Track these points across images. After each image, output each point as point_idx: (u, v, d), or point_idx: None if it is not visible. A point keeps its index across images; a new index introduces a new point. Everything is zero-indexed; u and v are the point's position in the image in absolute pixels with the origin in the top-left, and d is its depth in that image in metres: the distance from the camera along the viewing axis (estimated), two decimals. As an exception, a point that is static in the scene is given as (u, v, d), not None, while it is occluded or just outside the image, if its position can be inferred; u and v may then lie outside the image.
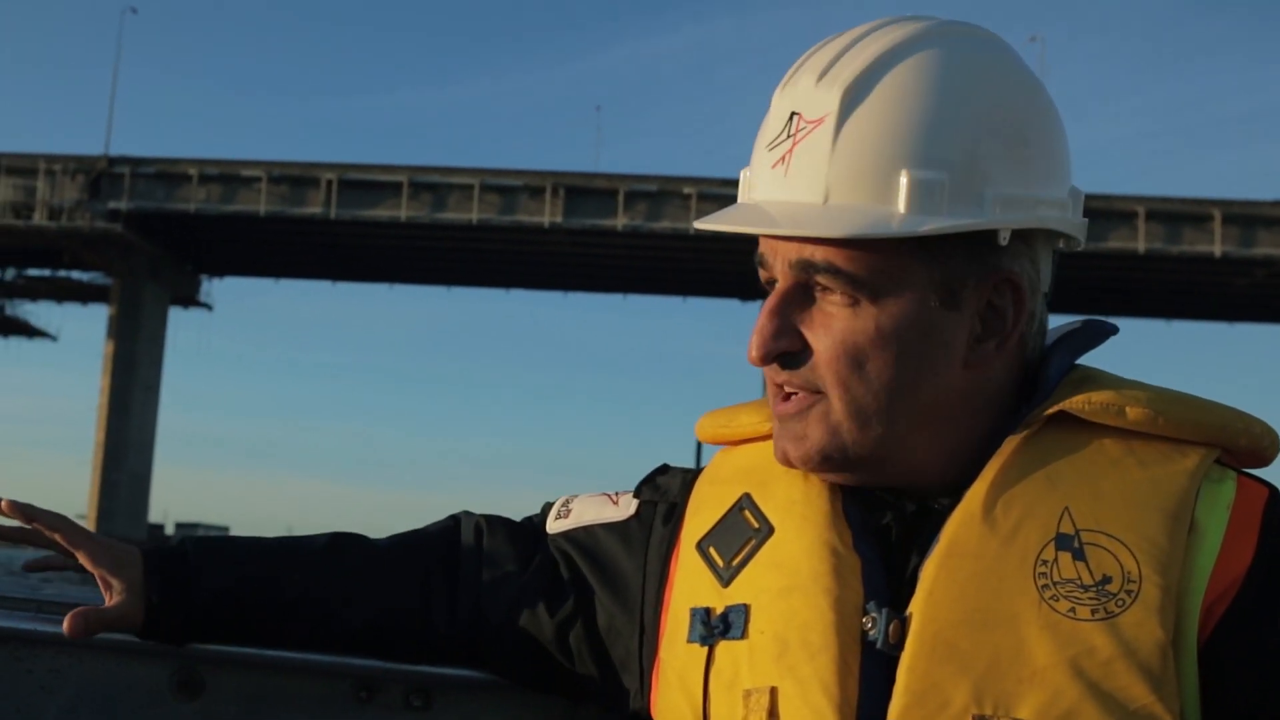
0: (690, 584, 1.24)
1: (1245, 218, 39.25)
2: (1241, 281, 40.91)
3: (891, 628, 1.11)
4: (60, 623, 1.34)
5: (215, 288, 48.15)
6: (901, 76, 1.12)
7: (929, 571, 1.12)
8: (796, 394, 1.18)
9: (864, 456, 1.16)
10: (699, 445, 1.44)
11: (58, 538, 1.38)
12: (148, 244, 41.16)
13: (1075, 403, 1.16)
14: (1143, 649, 1.05)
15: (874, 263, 1.13)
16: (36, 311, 49.84)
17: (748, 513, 1.23)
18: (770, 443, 1.24)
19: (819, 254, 1.13)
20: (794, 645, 1.13)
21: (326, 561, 1.42)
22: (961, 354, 1.16)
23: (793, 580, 1.16)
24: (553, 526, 1.42)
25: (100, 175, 40.49)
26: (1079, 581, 1.08)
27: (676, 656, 1.22)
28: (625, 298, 47.42)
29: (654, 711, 1.26)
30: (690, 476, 1.36)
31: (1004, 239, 1.14)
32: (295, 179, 40.78)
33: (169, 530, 51.40)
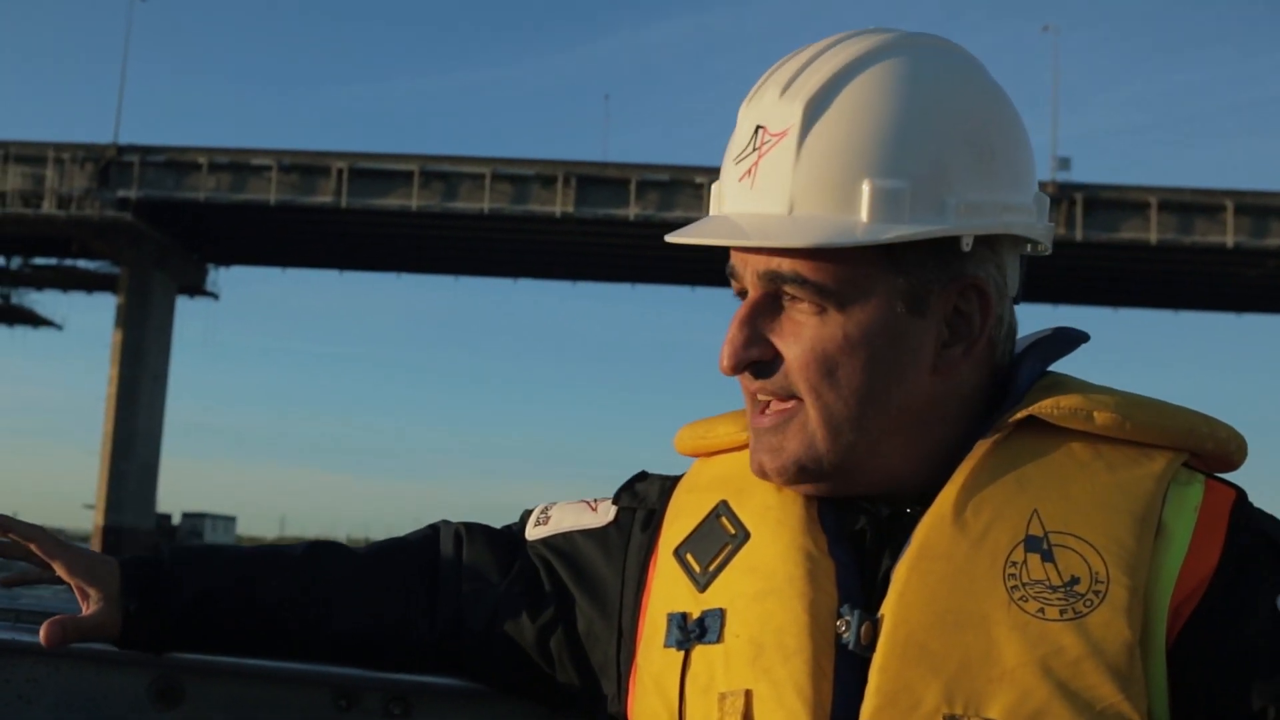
0: (667, 589, 1.25)
1: (1258, 208, 39.12)
2: (1253, 272, 40.81)
3: (864, 630, 1.12)
4: (38, 632, 1.34)
5: (221, 277, 47.79)
6: (862, 88, 1.14)
7: (900, 574, 1.13)
8: (772, 405, 1.19)
9: (838, 465, 1.18)
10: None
11: (33, 548, 1.38)
12: (157, 233, 40.97)
13: (1045, 408, 1.17)
14: (1110, 649, 1.06)
15: (840, 272, 1.14)
16: (42, 300, 49.70)
17: (724, 519, 1.25)
18: (747, 452, 1.26)
19: (785, 264, 1.15)
20: (769, 648, 1.14)
21: (305, 570, 1.43)
22: (930, 359, 1.17)
23: (768, 585, 1.17)
24: (532, 533, 1.43)
25: (109, 164, 40.24)
26: (1048, 582, 1.09)
27: (653, 661, 1.23)
28: (634, 287, 47.48)
29: (631, 716, 1.27)
30: (668, 484, 1.37)
31: (967, 245, 1.15)
32: (306, 168, 40.53)
33: (176, 521, 51.25)
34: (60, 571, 1.38)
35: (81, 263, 45.95)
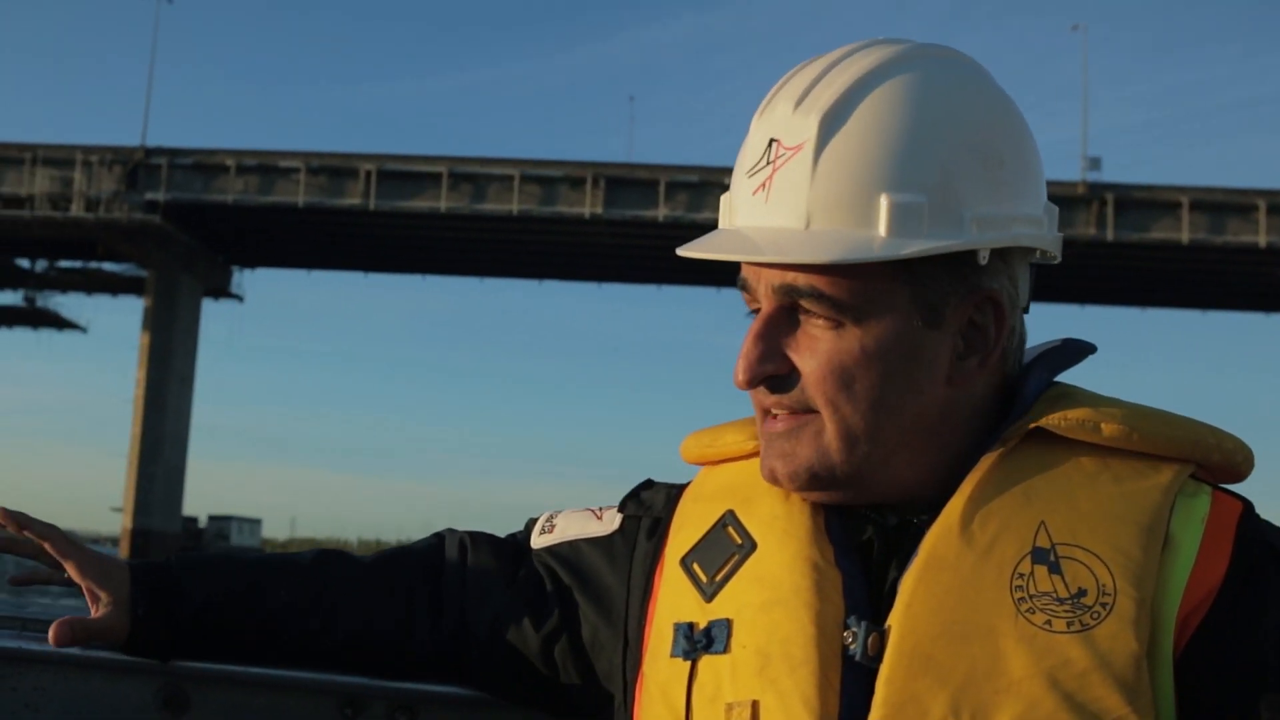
0: (673, 599, 1.25)
1: (1291, 208, 38.99)
2: (1285, 272, 40.68)
3: (871, 640, 1.12)
4: (45, 640, 1.34)
5: (245, 279, 47.75)
6: (877, 101, 1.14)
7: (907, 585, 1.13)
8: (785, 414, 1.19)
9: (851, 475, 1.17)
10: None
11: (47, 547, 1.38)
12: (184, 235, 40.96)
13: (1052, 419, 1.17)
14: (1118, 660, 1.06)
15: (857, 286, 1.14)
16: (66, 303, 49.74)
17: (731, 529, 1.24)
18: (755, 460, 1.26)
19: (802, 279, 1.14)
20: (776, 659, 1.14)
21: (312, 578, 1.43)
22: (945, 371, 1.17)
23: (775, 595, 1.17)
24: (537, 542, 1.43)
25: (137, 166, 40.33)
26: (1055, 594, 1.09)
27: (659, 671, 1.22)
28: (660, 288, 47.31)
29: None
30: (674, 492, 1.36)
31: (984, 259, 1.15)
32: (334, 170, 40.60)
33: (202, 524, 51.26)
34: (72, 572, 1.38)
35: (107, 266, 45.96)
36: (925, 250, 1.12)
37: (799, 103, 1.15)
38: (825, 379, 1.15)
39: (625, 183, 39.77)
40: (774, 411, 1.19)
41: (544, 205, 40.14)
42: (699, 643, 1.19)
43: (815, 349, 1.15)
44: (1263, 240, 38.83)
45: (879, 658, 1.11)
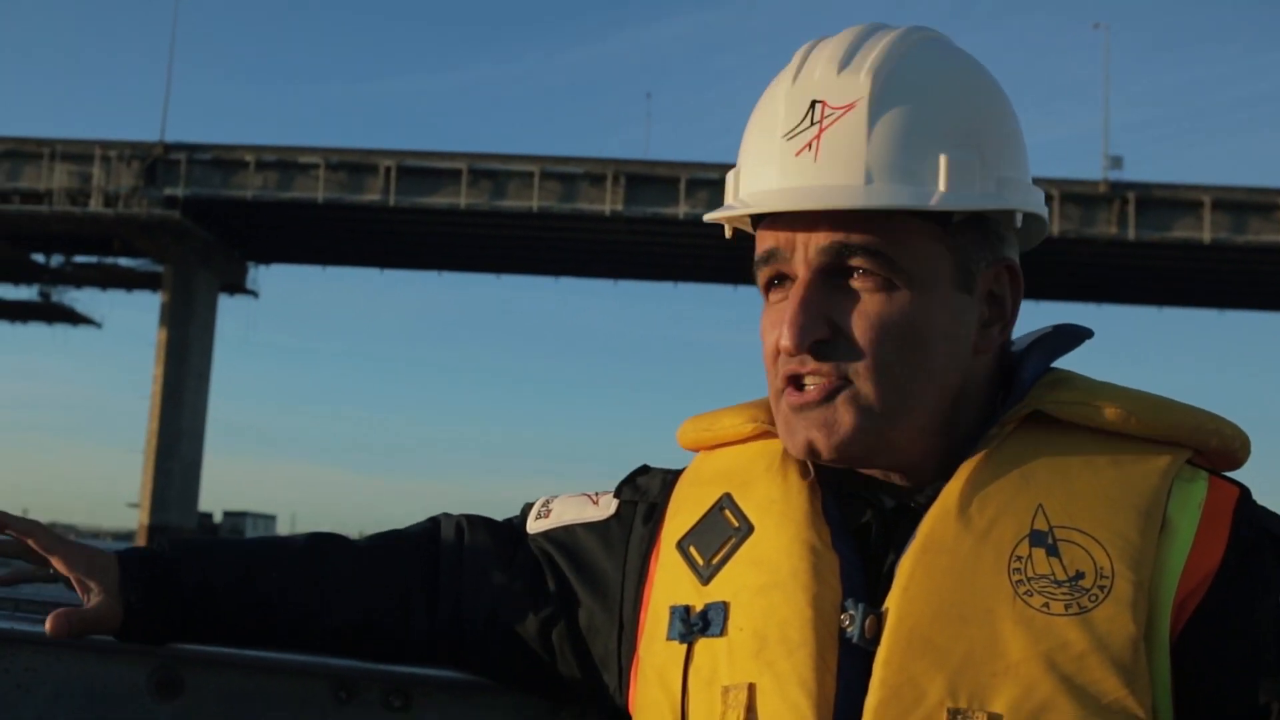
0: (670, 582, 1.25)
1: (1313, 207, 38.88)
2: (1308, 271, 40.57)
3: (868, 623, 1.12)
4: (37, 621, 1.34)
5: (260, 275, 47.64)
6: (925, 63, 1.16)
7: (905, 567, 1.13)
8: (822, 382, 1.16)
9: (886, 444, 1.16)
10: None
11: (30, 544, 1.37)
12: (202, 231, 40.86)
13: (1050, 403, 1.18)
14: (1115, 643, 1.06)
15: (909, 245, 1.14)
16: (81, 298, 49.63)
17: (728, 512, 1.24)
18: (752, 444, 1.28)
19: (857, 237, 1.14)
20: (772, 642, 1.14)
21: (306, 562, 1.43)
22: (973, 338, 1.19)
23: (772, 578, 1.17)
24: (533, 526, 1.42)
25: (156, 162, 40.24)
26: (1052, 577, 1.09)
27: (656, 654, 1.22)
28: (676, 285, 47.25)
29: (633, 709, 1.27)
30: (670, 477, 1.36)
31: (1019, 221, 1.18)
32: (353, 166, 40.48)
33: (218, 519, 51.20)
34: (59, 566, 1.37)
35: (123, 261, 45.84)
36: (983, 206, 1.14)
37: (844, 65, 1.16)
38: (879, 341, 1.14)
39: (646, 179, 39.66)
40: (807, 382, 1.17)
41: (564, 202, 40.03)
42: (695, 626, 1.19)
43: (865, 311, 1.15)
44: (1285, 239, 38.70)
45: (876, 640, 1.11)
